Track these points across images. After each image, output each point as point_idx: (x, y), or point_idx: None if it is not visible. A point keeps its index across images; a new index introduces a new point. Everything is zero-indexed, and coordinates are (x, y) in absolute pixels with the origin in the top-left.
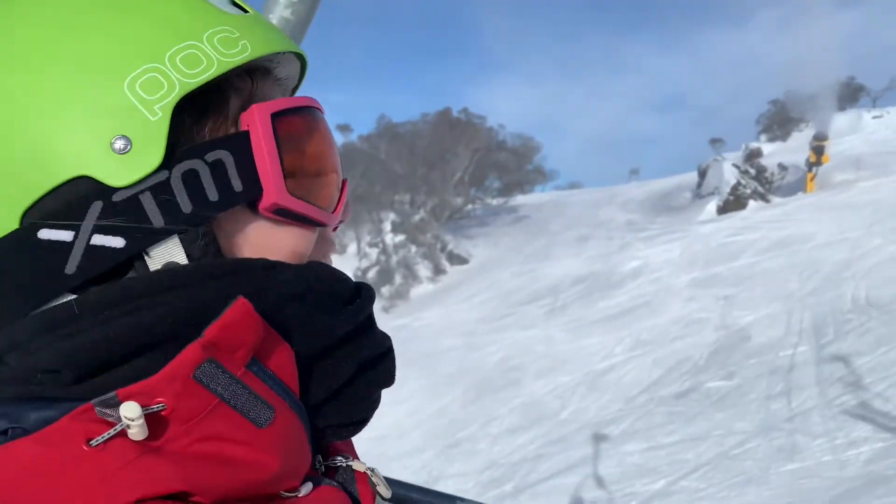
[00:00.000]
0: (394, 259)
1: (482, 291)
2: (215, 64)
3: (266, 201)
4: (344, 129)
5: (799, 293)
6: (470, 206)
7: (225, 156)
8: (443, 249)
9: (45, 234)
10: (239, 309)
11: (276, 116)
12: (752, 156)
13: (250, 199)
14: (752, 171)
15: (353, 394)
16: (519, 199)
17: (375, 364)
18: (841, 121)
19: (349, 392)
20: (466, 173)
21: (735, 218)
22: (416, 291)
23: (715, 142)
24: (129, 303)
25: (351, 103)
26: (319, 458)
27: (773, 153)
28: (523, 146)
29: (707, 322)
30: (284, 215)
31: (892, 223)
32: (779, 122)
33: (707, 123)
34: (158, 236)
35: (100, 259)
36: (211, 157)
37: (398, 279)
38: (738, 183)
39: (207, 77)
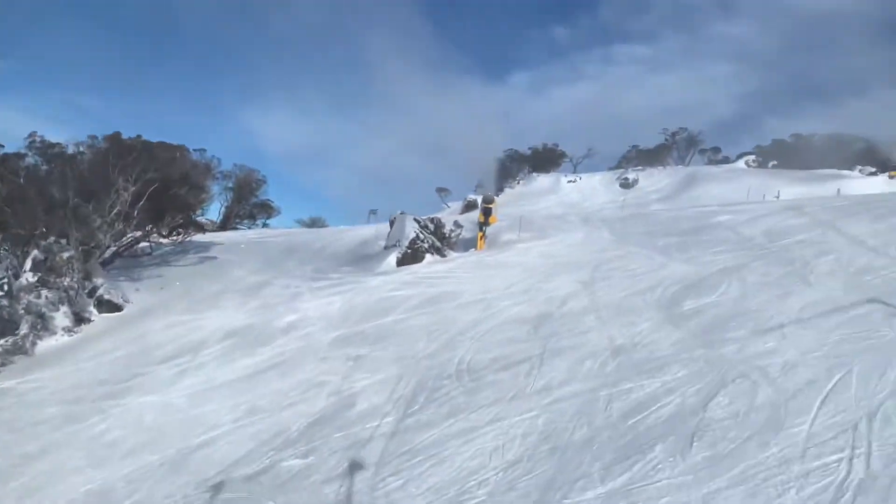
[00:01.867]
0: (20, 304)
1: (122, 346)
2: None
3: None
4: None
5: (420, 355)
6: (144, 244)
7: None
8: (91, 294)
9: None
10: None
11: None
12: (469, 207)
13: None
14: (431, 227)
15: None
16: (211, 237)
17: None
18: (543, 182)
19: None
20: (136, 207)
21: (407, 272)
22: (46, 345)
23: (441, 191)
24: None
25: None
26: None
27: (500, 203)
28: (245, 178)
29: (326, 386)
30: None
31: (524, 285)
32: (495, 178)
33: (459, 169)
34: None
35: None
36: None
37: (24, 329)
38: (417, 237)
39: None
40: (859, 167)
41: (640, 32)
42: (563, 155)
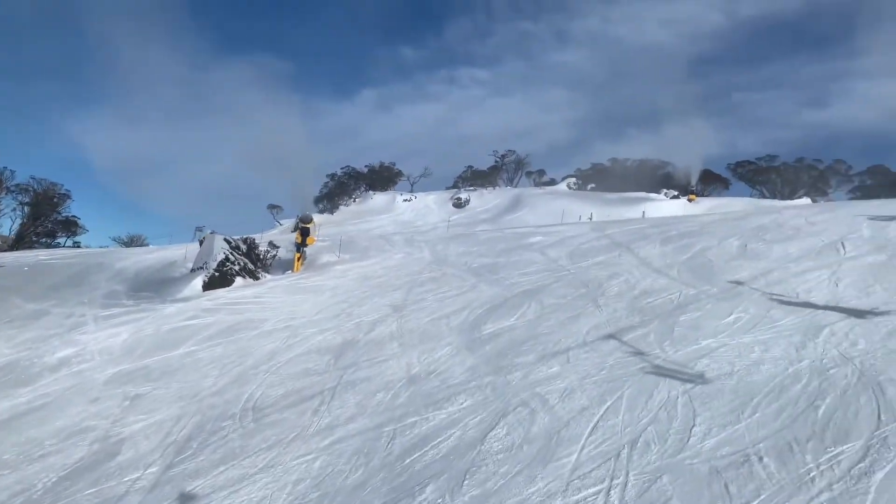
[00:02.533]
0: None
1: None
2: None
3: None
4: None
5: (206, 392)
6: None
7: None
8: None
9: None
10: None
11: None
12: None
13: None
14: (244, 247)
15: None
16: None
17: None
18: (379, 200)
19: None
20: None
21: (211, 297)
22: None
23: (273, 208)
24: None
25: None
26: None
27: (321, 223)
28: (45, 193)
29: (91, 432)
30: None
31: (335, 309)
32: (330, 195)
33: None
34: None
35: None
36: None
37: None
38: (227, 258)
39: None
40: (665, 190)
41: (483, 57)
42: (399, 174)
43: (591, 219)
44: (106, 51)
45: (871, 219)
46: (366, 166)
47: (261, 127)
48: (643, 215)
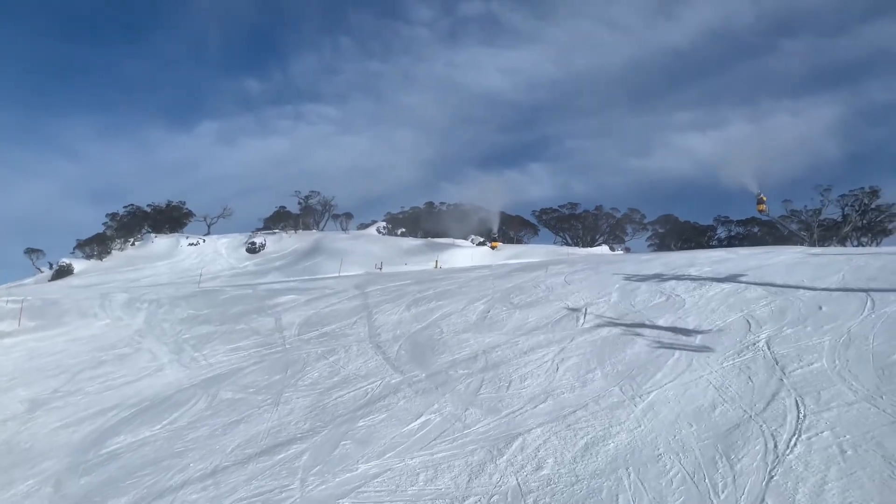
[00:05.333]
0: None
1: None
2: None
3: None
4: None
5: None
6: None
7: None
8: None
9: None
10: None
11: None
12: (60, 273)
13: None
14: None
15: None
16: None
17: None
18: (160, 245)
19: None
20: None
21: None
22: None
23: (32, 252)
24: None
25: None
26: None
27: (85, 271)
28: None
29: None
30: None
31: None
32: (101, 239)
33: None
34: None
35: None
36: None
37: None
38: None
39: None
40: (473, 236)
41: (331, 94)
42: (189, 214)
43: (379, 268)
44: None
45: (626, 278)
46: (149, 205)
47: None
48: (436, 265)
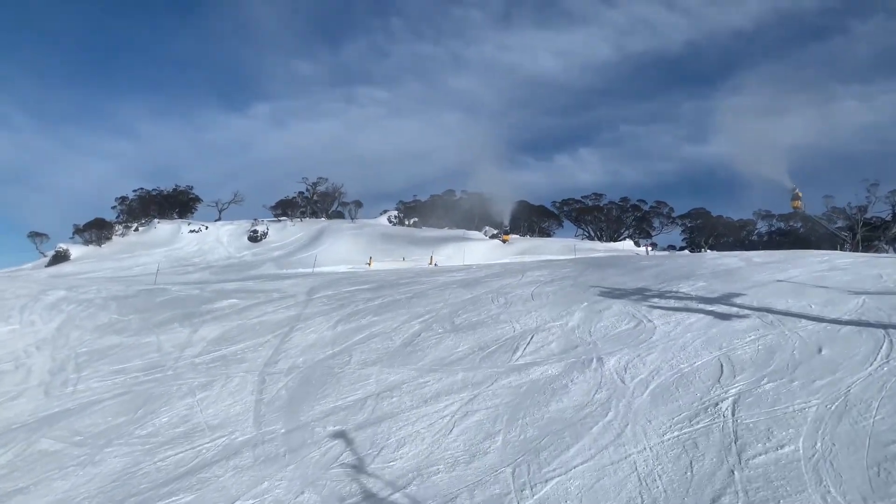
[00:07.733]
0: None
1: None
2: None
3: None
4: None
5: None
6: None
7: None
8: None
9: None
10: None
11: None
12: (57, 258)
13: None
14: None
15: None
16: None
17: None
18: (163, 231)
19: None
20: None
21: None
22: None
23: (36, 235)
24: None
25: None
26: None
27: (81, 257)
28: None
29: None
30: None
31: None
32: (101, 224)
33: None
34: None
35: None
36: None
37: None
38: None
39: None
40: (486, 228)
41: (381, 76)
42: (196, 199)
43: (369, 264)
44: None
45: (602, 293)
46: (153, 190)
47: None
48: (431, 261)
